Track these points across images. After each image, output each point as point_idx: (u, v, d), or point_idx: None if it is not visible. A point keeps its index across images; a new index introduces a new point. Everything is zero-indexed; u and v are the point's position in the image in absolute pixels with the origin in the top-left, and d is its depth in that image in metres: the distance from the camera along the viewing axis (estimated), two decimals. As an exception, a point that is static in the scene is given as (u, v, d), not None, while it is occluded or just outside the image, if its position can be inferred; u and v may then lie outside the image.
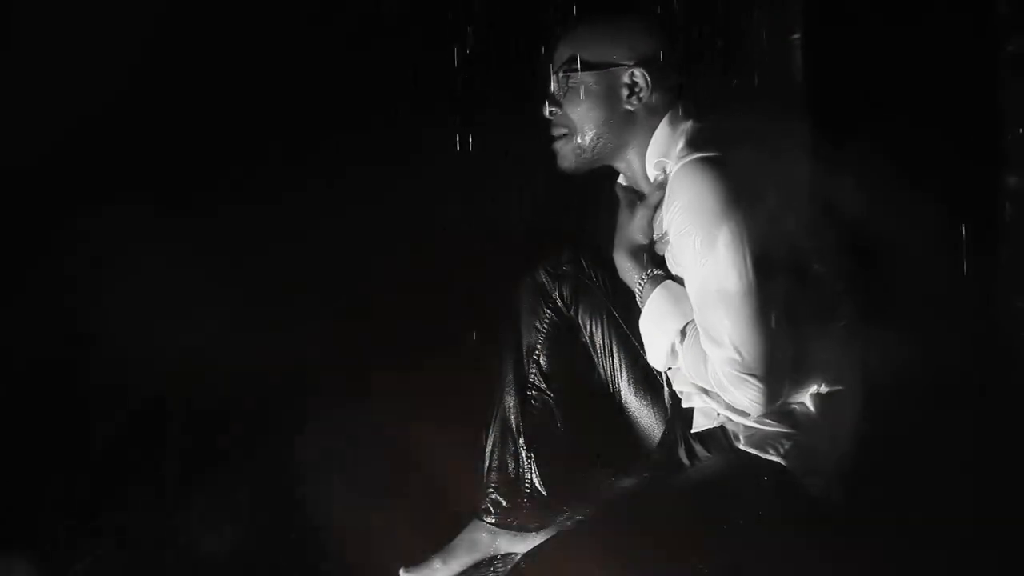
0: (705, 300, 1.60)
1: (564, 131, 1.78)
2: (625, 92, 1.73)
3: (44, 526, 2.19)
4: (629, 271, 1.76)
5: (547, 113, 1.79)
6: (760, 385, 1.57)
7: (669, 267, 1.76)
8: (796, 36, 2.20)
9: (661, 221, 1.71)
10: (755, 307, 1.57)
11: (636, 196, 1.78)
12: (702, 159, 1.60)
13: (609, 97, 1.74)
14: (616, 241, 1.78)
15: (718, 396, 1.68)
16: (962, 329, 1.97)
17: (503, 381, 2.02)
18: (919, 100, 2.12)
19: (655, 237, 1.75)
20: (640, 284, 1.74)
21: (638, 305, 1.76)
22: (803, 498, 1.65)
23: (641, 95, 1.73)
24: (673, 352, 1.70)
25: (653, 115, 1.74)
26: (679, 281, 1.71)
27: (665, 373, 1.84)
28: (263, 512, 2.21)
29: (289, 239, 2.49)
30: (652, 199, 1.74)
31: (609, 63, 1.73)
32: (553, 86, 1.78)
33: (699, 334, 1.63)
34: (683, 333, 1.68)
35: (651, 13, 1.76)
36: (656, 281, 1.73)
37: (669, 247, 1.72)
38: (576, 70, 1.74)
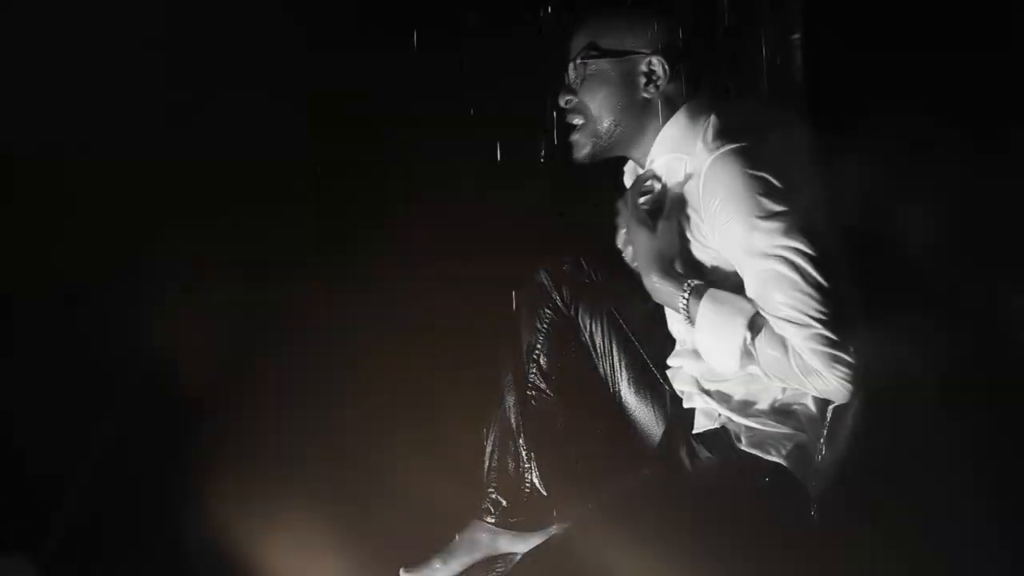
0: (771, 285, 1.57)
1: (580, 120, 1.76)
2: (643, 80, 1.73)
3: (43, 526, 2.19)
4: (668, 292, 1.67)
5: (563, 102, 1.77)
6: (850, 360, 1.54)
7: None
8: (796, 36, 2.19)
9: (690, 223, 1.68)
10: (824, 276, 1.56)
11: (649, 215, 1.72)
12: (734, 150, 1.60)
13: (626, 85, 1.73)
14: (643, 266, 1.70)
15: (721, 396, 1.68)
16: (962, 329, 1.97)
17: (503, 381, 2.03)
18: (919, 100, 2.12)
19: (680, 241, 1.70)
20: (684, 300, 1.66)
21: (687, 320, 1.67)
22: (804, 499, 1.65)
23: (659, 83, 1.72)
24: (746, 351, 1.61)
25: (670, 105, 1.73)
26: (717, 283, 1.67)
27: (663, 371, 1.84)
28: (261, 511, 2.21)
29: (287, 238, 2.50)
30: (669, 211, 1.69)
31: (627, 51, 1.72)
32: (570, 75, 1.76)
33: (771, 325, 1.59)
34: (751, 329, 1.60)
35: (669, 3, 1.74)
36: (698, 292, 1.65)
37: (706, 247, 1.68)
38: (594, 56, 1.73)
